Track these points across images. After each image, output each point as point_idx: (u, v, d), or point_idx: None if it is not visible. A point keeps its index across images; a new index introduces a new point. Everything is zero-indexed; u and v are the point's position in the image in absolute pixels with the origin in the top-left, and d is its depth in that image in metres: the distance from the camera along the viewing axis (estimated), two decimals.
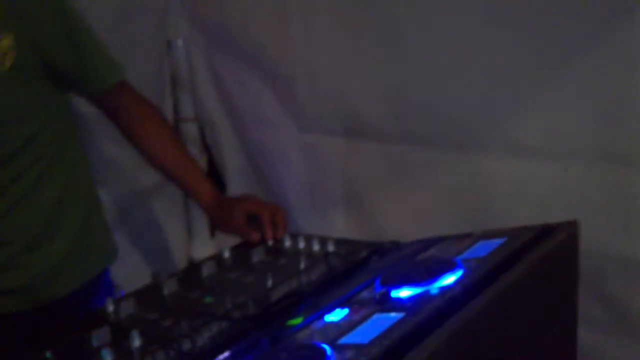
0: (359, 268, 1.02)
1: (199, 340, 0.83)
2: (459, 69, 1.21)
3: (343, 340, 0.70)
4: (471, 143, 1.26)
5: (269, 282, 1.00)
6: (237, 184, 1.80)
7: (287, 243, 1.19)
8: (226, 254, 1.17)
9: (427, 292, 0.78)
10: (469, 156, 1.27)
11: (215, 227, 1.28)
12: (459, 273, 0.82)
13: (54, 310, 1.17)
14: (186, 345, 0.82)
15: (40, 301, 1.17)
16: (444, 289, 0.78)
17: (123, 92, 1.29)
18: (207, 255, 1.24)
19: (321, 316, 0.80)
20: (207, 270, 1.09)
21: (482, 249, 0.91)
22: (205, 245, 1.92)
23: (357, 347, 0.67)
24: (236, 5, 1.60)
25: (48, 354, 0.84)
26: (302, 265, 1.05)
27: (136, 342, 0.85)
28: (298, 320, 0.81)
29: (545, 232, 0.92)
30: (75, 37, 1.16)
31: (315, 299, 0.90)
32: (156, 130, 1.34)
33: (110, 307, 0.98)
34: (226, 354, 0.75)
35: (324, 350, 0.67)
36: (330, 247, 1.12)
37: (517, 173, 1.20)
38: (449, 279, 0.81)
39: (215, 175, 1.84)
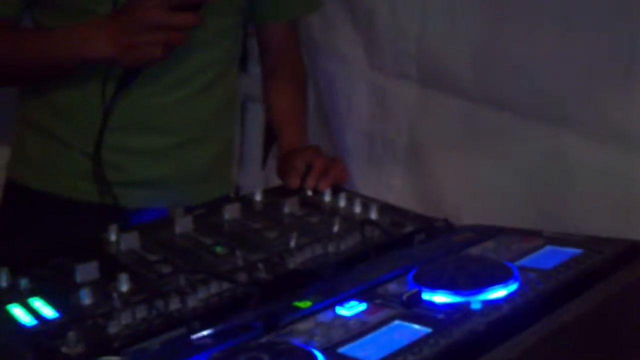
0: (398, 247, 0.86)
1: (191, 301, 0.71)
2: (561, 40, 1.02)
3: (345, 349, 0.56)
4: (559, 117, 1.07)
5: (292, 243, 0.86)
6: None
7: (327, 198, 1.04)
8: (257, 197, 1.03)
9: (466, 305, 0.62)
10: (553, 132, 1.08)
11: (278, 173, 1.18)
12: (512, 286, 0.65)
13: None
14: (174, 305, 0.70)
15: (174, 203, 1.08)
16: (489, 305, 0.62)
17: (291, 30, 1.29)
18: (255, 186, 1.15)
19: (332, 306, 0.65)
20: (229, 213, 0.96)
21: (549, 258, 0.73)
22: (256, 176, 1.81)
23: None
24: None
25: (23, 281, 0.74)
26: (335, 229, 0.91)
27: (122, 287, 0.74)
28: (306, 304, 0.67)
29: (634, 250, 0.74)
30: None
31: (335, 278, 0.75)
32: (287, 90, 1.33)
33: (113, 236, 0.87)
34: (210, 331, 0.62)
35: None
36: (373, 213, 0.97)
37: (606, 162, 1.01)
38: (498, 293, 0.64)
39: None
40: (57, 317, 0.69)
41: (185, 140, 1.14)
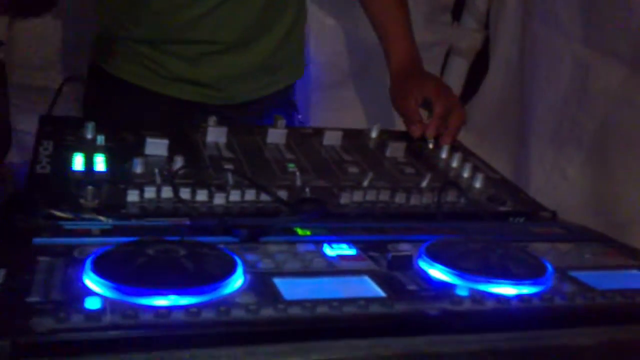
0: (474, 226, 0.74)
1: (218, 199, 0.70)
2: None
3: (279, 280, 0.50)
4: None
5: (365, 183, 0.79)
6: (497, 74, 1.52)
7: (443, 155, 0.94)
8: (373, 133, 0.97)
9: (452, 289, 0.52)
10: None
11: (391, 99, 1.07)
12: (525, 289, 0.52)
13: (240, 110, 1.14)
14: (200, 197, 0.70)
15: (231, 99, 1.14)
16: (476, 297, 0.51)
17: None
18: None
19: (324, 242, 0.59)
20: (328, 139, 0.92)
21: (619, 280, 0.57)
22: None
23: (276, 295, 0.48)
24: None
25: (100, 138, 0.79)
26: (423, 184, 0.82)
27: (175, 166, 0.76)
28: (305, 232, 0.62)
29: None
30: None
31: (365, 224, 0.68)
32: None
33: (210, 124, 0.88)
34: (189, 222, 0.61)
35: (231, 272, 0.49)
36: (479, 183, 0.85)
37: None
38: (505, 289, 0.52)
39: (484, 54, 1.58)
40: (102, 172, 0.73)
41: (227, 47, 1.10)
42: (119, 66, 1.11)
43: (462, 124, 0.99)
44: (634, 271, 0.61)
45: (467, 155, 0.95)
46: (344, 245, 0.59)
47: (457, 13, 1.61)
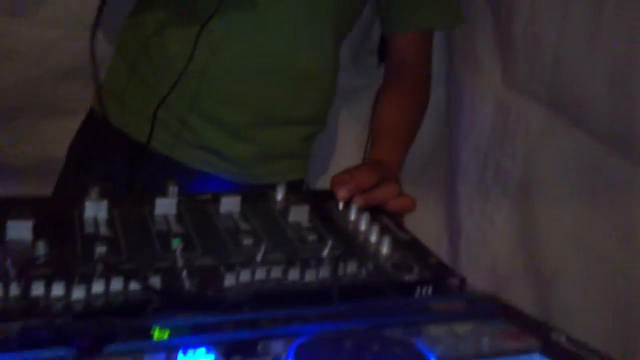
0: (371, 305, 0.67)
1: (77, 291, 0.62)
2: None
3: None
4: None
5: (258, 257, 0.72)
6: (426, 117, 1.47)
7: (350, 216, 0.87)
8: (278, 194, 0.90)
9: None
10: None
11: None
12: None
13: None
14: (57, 290, 0.62)
15: (241, 179, 1.11)
16: None
17: (425, 43, 1.18)
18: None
19: (180, 348, 0.51)
20: (225, 205, 0.84)
21: None
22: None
23: None
24: None
25: None
26: (323, 253, 0.75)
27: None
28: (163, 334, 0.54)
29: None
30: None
31: (242, 313, 0.61)
32: (400, 104, 1.19)
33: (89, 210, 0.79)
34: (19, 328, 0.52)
35: None
36: (386, 247, 0.78)
37: None
38: None
39: None
40: None
41: (261, 120, 1.07)
42: (128, 122, 1.08)
43: (389, 197, 0.91)
44: (535, 356, 0.54)
45: (377, 214, 0.89)
46: (202, 350, 0.51)
47: (382, 55, 1.56)
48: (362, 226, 0.84)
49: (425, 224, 1.31)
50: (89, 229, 0.76)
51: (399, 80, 1.19)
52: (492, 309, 0.63)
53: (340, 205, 0.90)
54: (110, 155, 1.11)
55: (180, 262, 0.70)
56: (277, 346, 0.53)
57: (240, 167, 1.12)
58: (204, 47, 0.98)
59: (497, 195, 1.18)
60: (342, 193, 0.88)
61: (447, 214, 1.34)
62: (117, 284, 0.63)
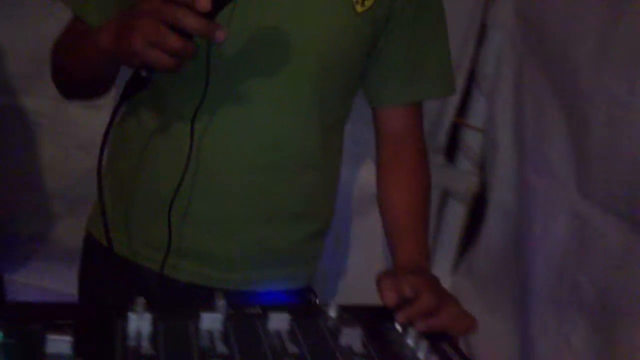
0: None
1: None
2: None
3: None
4: None
5: None
6: (495, 222, 1.41)
7: (409, 342, 0.80)
8: (332, 312, 0.85)
9: None
10: None
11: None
12: None
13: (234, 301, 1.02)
14: None
15: (232, 284, 1.01)
16: None
17: (413, 115, 1.07)
18: None
19: None
20: (274, 323, 0.80)
21: None
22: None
23: None
24: (566, 11, 1.17)
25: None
26: None
27: None
28: None
29: None
30: (429, 19, 1.01)
31: None
32: (409, 181, 1.07)
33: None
34: None
35: None
36: None
37: None
38: None
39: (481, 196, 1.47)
40: None
41: (262, 219, 0.99)
42: (119, 241, 1.00)
43: (452, 321, 0.84)
44: None
45: (437, 338, 0.82)
46: None
47: (450, 154, 1.52)
48: (420, 354, 0.77)
49: (493, 340, 1.22)
50: (131, 343, 0.72)
51: (396, 162, 1.08)
52: None
53: (398, 327, 0.83)
54: (109, 275, 1.03)
55: None
56: None
57: (233, 271, 1.02)
58: (192, 144, 0.91)
59: (574, 314, 1.09)
60: (402, 317, 0.82)
61: (517, 330, 1.25)
62: None
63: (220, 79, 0.90)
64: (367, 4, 0.94)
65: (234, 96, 0.92)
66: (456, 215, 1.53)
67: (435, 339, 0.81)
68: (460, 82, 1.44)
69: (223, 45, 0.82)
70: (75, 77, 0.95)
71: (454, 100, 1.44)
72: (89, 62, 0.88)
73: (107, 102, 1.10)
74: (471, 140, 1.48)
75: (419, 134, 1.08)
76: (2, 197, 1.49)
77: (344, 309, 0.84)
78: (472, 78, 1.44)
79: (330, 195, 1.09)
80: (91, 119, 1.40)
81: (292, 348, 0.76)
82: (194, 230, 0.98)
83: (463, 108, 1.47)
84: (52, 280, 1.57)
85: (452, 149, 1.51)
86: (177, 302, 0.97)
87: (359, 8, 0.94)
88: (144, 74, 0.77)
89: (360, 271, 1.36)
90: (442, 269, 1.56)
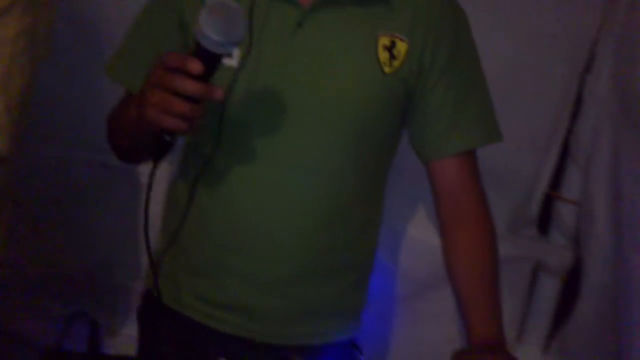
0: None
1: None
2: None
3: None
4: None
5: None
6: (590, 299, 1.35)
7: None
8: None
9: None
10: None
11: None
12: None
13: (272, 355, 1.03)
14: None
15: (275, 338, 1.03)
16: None
17: (466, 167, 1.03)
18: None
19: None
20: None
21: None
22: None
23: None
24: None
25: None
26: None
27: None
28: None
29: None
30: (462, 66, 1.00)
31: None
32: (472, 242, 1.04)
33: None
34: None
35: None
36: None
37: None
38: None
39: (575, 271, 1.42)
40: None
41: (303, 275, 1.00)
42: (168, 292, 1.04)
43: None
44: None
45: None
46: None
47: (543, 227, 1.48)
48: None
49: None
50: None
51: (455, 223, 1.04)
52: None
53: None
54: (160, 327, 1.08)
55: None
56: None
57: (276, 325, 1.03)
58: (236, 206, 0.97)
59: None
60: None
61: None
62: None
63: (260, 145, 0.95)
64: (396, 64, 0.95)
65: (271, 162, 0.96)
66: (548, 290, 1.47)
67: None
68: (554, 154, 1.41)
69: (258, 109, 0.92)
70: (122, 143, 1.01)
71: (547, 171, 1.42)
72: (128, 131, 0.94)
73: None
74: (565, 213, 1.44)
75: (474, 185, 1.04)
76: (102, 247, 1.58)
77: None
78: (566, 150, 1.42)
79: (370, 245, 1.09)
80: None
81: None
82: (239, 285, 1.00)
83: (556, 180, 1.44)
84: None
85: (545, 222, 1.47)
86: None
87: (387, 69, 0.95)
88: (167, 138, 0.83)
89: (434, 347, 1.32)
90: (532, 344, 1.51)
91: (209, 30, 0.76)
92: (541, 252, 1.46)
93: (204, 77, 0.78)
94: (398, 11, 0.96)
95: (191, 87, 0.77)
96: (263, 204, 0.97)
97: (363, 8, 0.95)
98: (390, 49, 0.95)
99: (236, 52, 0.93)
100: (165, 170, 1.49)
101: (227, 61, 0.92)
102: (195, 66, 0.76)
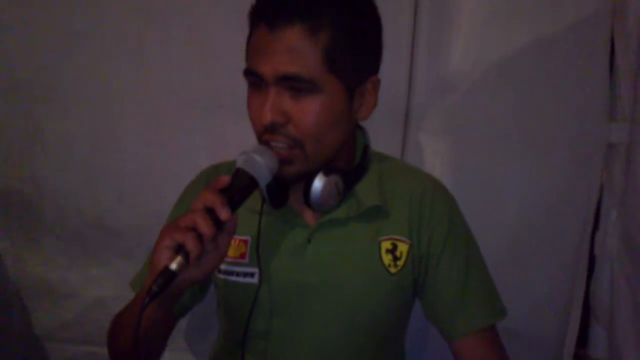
0: None
1: None
2: None
3: None
4: None
5: None
6: None
7: None
8: None
9: None
10: None
11: None
12: None
13: None
14: None
15: None
16: None
17: (484, 343, 1.06)
18: None
19: None
20: None
21: None
22: None
23: None
24: None
25: None
26: None
27: None
28: None
29: None
30: (462, 252, 1.06)
31: None
32: None
33: None
34: None
35: None
36: None
37: None
38: None
39: None
40: None
41: None
42: None
43: None
44: None
45: None
46: None
47: None
48: None
49: None
50: None
51: None
52: None
53: None
54: None
55: None
56: None
57: None
58: None
59: None
60: None
61: None
62: None
63: (280, 353, 1.02)
64: (400, 263, 1.02)
65: (293, 348, 1.02)
66: None
67: None
68: (575, 313, 1.42)
69: (278, 320, 1.00)
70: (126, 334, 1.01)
71: (573, 331, 1.42)
72: (135, 304, 0.97)
73: None
74: None
75: (497, 359, 1.06)
76: None
77: None
78: (587, 308, 1.43)
79: None
80: None
81: None
82: None
83: (582, 338, 1.44)
84: None
85: None
86: None
87: (393, 270, 1.01)
88: (174, 268, 0.84)
89: None
90: None
91: (255, 153, 0.90)
92: None
93: (234, 207, 0.88)
94: (395, 216, 1.04)
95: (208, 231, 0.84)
96: None
97: (364, 221, 1.03)
98: (392, 251, 1.02)
99: (255, 272, 1.01)
100: None
101: (247, 279, 1.01)
102: (225, 214, 0.85)
